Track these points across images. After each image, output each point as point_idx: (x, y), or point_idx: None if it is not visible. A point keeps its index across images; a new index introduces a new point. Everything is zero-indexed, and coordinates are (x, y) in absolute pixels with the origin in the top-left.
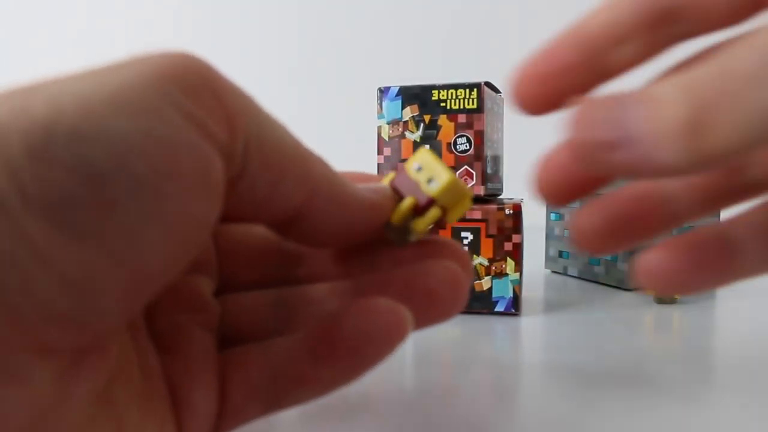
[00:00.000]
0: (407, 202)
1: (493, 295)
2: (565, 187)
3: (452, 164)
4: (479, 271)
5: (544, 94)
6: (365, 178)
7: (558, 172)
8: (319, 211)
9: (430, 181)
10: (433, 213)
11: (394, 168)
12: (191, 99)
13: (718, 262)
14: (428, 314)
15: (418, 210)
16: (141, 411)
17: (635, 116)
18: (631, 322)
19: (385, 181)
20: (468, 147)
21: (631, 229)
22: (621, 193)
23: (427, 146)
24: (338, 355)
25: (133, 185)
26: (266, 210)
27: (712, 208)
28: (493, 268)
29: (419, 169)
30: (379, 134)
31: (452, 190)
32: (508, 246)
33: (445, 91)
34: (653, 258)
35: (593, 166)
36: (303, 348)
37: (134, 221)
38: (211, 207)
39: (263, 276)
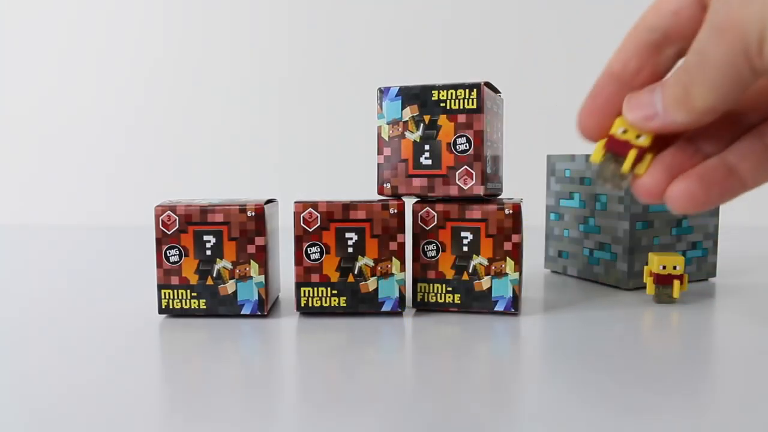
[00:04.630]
0: (632, 155)
1: (493, 295)
2: (601, 127)
3: (452, 164)
4: (479, 271)
5: (598, 124)
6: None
7: (596, 115)
8: None
9: (638, 137)
10: (648, 158)
11: (394, 168)
12: None
13: (725, 181)
14: None
15: (637, 159)
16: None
17: (658, 99)
18: (631, 322)
19: (599, 146)
20: (468, 147)
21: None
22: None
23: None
24: None
25: None
26: None
27: (729, 143)
28: (493, 267)
29: (624, 131)
30: (379, 134)
31: (656, 139)
32: (507, 246)
33: (445, 91)
34: (681, 185)
35: (641, 129)
36: None
37: None
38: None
39: None
